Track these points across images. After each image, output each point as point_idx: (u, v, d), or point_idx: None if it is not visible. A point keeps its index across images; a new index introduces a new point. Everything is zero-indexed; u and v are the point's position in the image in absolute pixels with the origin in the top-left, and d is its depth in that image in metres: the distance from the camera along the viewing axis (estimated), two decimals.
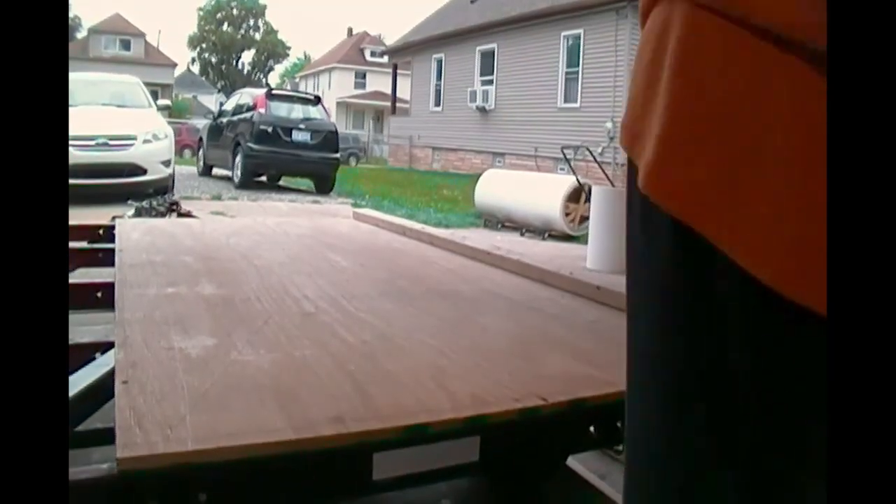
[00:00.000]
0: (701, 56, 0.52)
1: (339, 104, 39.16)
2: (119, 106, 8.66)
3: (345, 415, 0.86)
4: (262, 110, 10.91)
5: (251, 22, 54.11)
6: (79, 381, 1.19)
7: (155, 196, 5.85)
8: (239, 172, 10.99)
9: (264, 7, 54.08)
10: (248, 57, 54.58)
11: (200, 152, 13.72)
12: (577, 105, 14.87)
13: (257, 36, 54.28)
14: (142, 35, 38.19)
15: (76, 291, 1.75)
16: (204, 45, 52.95)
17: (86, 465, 0.81)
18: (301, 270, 1.80)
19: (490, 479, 1.70)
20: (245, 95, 12.30)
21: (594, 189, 6.14)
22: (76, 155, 6.99)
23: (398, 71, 24.09)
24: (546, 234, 7.67)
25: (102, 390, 1.15)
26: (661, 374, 0.56)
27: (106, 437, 0.94)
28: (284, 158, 10.86)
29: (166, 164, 8.38)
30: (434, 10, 22.77)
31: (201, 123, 16.67)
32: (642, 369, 0.59)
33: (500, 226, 8.32)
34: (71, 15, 36.65)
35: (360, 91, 41.60)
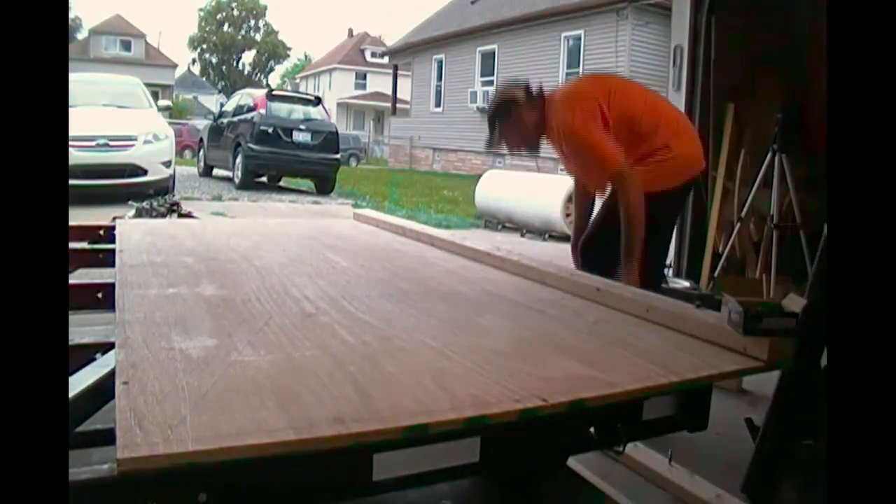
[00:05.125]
0: None
1: (339, 105, 39.16)
2: (119, 107, 8.67)
3: (345, 415, 0.86)
4: (262, 111, 10.91)
5: (252, 22, 54.11)
6: (79, 382, 1.19)
7: (155, 197, 5.85)
8: (239, 173, 11.00)
9: (265, 8, 54.12)
10: (248, 57, 54.62)
11: (201, 153, 13.72)
12: None
13: (258, 36, 54.27)
14: (142, 36, 38.21)
15: (76, 292, 1.75)
16: (204, 46, 52.94)
17: (86, 466, 0.81)
18: (301, 271, 1.80)
19: (490, 480, 1.70)
20: (245, 96, 12.30)
21: None
22: (76, 155, 6.99)
23: (399, 72, 24.09)
24: (547, 235, 7.67)
25: (103, 391, 1.15)
26: None
27: (106, 437, 0.94)
28: (285, 159, 10.86)
29: (167, 164, 8.39)
30: (434, 11, 22.76)
31: (202, 124, 16.67)
32: None
33: (500, 227, 8.32)
34: (71, 16, 36.64)
35: (360, 92, 41.59)
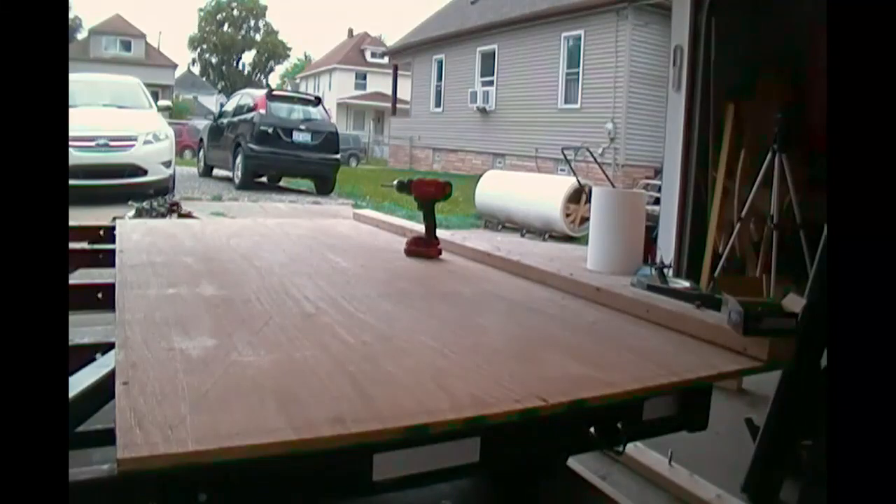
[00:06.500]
0: None
1: (339, 105, 39.15)
2: (120, 107, 8.67)
3: (345, 415, 0.86)
4: (262, 111, 10.91)
5: (252, 22, 54.11)
6: (79, 382, 1.19)
7: (155, 197, 5.85)
8: (239, 173, 10.99)
9: (265, 7, 54.12)
10: (248, 58, 54.61)
11: (201, 153, 13.73)
12: (578, 106, 14.87)
13: (258, 36, 54.27)
14: (142, 36, 38.20)
15: (76, 292, 1.75)
16: (204, 46, 52.93)
17: (86, 466, 0.81)
18: (301, 271, 1.80)
19: (490, 480, 1.70)
20: (245, 96, 12.30)
21: (595, 190, 6.14)
22: (77, 156, 6.99)
23: (399, 72, 24.09)
24: (546, 235, 7.67)
25: (103, 391, 1.15)
26: None
27: (106, 437, 0.94)
28: (285, 159, 10.86)
29: (167, 164, 8.39)
30: (434, 11, 22.77)
31: (202, 124, 16.68)
32: None
33: (500, 227, 8.32)
34: (71, 16, 36.64)
35: (360, 92, 41.58)
